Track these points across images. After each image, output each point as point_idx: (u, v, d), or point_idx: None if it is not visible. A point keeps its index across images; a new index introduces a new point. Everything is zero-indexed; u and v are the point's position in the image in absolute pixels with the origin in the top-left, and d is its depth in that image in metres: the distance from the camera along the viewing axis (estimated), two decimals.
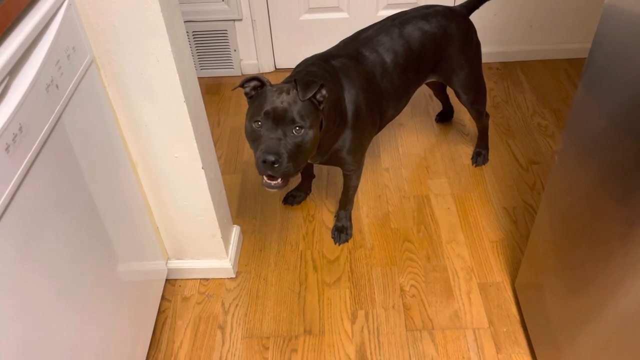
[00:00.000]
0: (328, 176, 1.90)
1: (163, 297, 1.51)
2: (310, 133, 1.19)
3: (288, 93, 1.19)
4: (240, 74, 2.43)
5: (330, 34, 2.27)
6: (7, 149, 0.72)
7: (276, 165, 1.14)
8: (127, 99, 1.16)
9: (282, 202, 1.79)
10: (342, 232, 1.65)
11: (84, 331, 0.96)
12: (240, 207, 1.79)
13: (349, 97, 1.35)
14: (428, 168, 1.90)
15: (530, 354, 1.33)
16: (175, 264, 1.53)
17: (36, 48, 0.82)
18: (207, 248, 1.50)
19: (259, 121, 1.17)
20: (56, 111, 0.86)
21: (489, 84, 2.25)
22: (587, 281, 1.10)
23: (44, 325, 0.82)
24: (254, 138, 1.20)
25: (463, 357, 1.34)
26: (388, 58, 1.44)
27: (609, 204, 1.00)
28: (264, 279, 1.56)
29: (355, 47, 1.44)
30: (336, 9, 2.25)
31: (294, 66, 2.48)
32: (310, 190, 1.81)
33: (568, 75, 2.31)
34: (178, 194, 1.35)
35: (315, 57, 1.42)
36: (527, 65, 2.38)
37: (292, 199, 1.77)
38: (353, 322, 1.43)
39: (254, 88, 1.25)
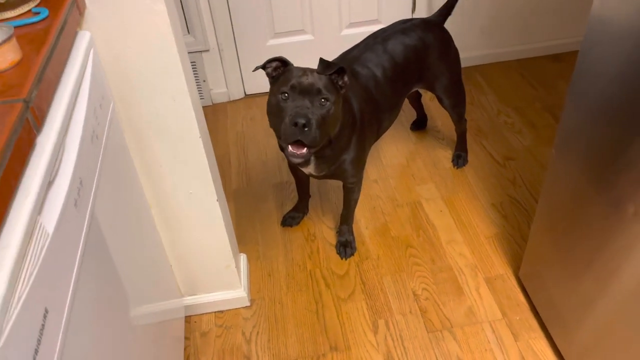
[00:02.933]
0: (320, 194, 1.93)
1: None
2: (334, 108, 1.26)
3: (312, 73, 1.26)
4: (210, 103, 2.44)
5: (297, 56, 2.32)
6: (75, 204, 0.72)
7: (306, 129, 1.20)
8: (141, 141, 1.16)
9: (281, 224, 1.81)
10: (346, 246, 1.69)
11: None
12: (240, 235, 1.79)
13: (354, 107, 1.42)
14: (414, 175, 1.98)
15: (546, 337, 1.42)
16: (189, 300, 1.51)
17: (77, 103, 0.82)
18: (221, 280, 1.49)
19: (286, 93, 1.24)
20: (100, 160, 0.86)
21: None
22: (585, 265, 1.20)
23: None
24: (279, 110, 1.25)
25: (485, 350, 1.41)
26: (378, 72, 1.51)
27: (597, 191, 1.10)
28: (279, 303, 1.57)
29: (346, 65, 1.50)
30: (301, 32, 2.31)
31: (263, 91, 2.54)
32: (308, 210, 1.84)
33: (521, 74, 2.48)
34: (192, 229, 1.35)
35: None
36: (484, 68, 2.53)
37: (291, 220, 1.80)
38: (375, 333, 1.47)
39: (275, 69, 1.32)
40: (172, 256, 1.41)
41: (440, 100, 1.78)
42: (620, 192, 1.04)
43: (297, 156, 1.26)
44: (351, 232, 1.71)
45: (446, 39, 1.68)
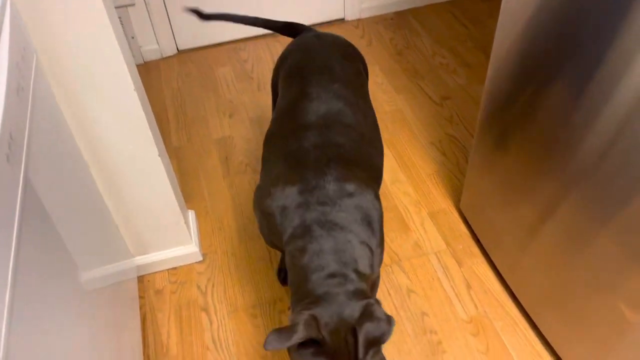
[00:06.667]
0: None
1: None
2: None
3: None
4: (142, 62, 2.34)
5: (230, 4, 2.26)
6: (7, 159, 0.68)
7: None
8: (72, 97, 1.10)
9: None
10: None
11: (65, 347, 0.83)
12: (186, 192, 1.77)
13: None
14: None
15: (488, 262, 1.51)
16: (140, 260, 1.50)
17: None
18: (171, 237, 1.48)
19: None
20: (29, 115, 0.82)
21: (387, 34, 2.40)
22: (523, 196, 1.26)
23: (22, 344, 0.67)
24: None
25: (432, 279, 1.48)
26: None
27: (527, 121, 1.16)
28: (232, 255, 1.58)
29: None
30: None
31: (197, 46, 2.40)
32: None
33: (454, 15, 2.52)
34: (136, 186, 1.32)
35: None
36: (417, 11, 2.55)
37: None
38: None
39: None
40: (118, 216, 1.38)
41: None
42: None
43: None
44: None
45: None
